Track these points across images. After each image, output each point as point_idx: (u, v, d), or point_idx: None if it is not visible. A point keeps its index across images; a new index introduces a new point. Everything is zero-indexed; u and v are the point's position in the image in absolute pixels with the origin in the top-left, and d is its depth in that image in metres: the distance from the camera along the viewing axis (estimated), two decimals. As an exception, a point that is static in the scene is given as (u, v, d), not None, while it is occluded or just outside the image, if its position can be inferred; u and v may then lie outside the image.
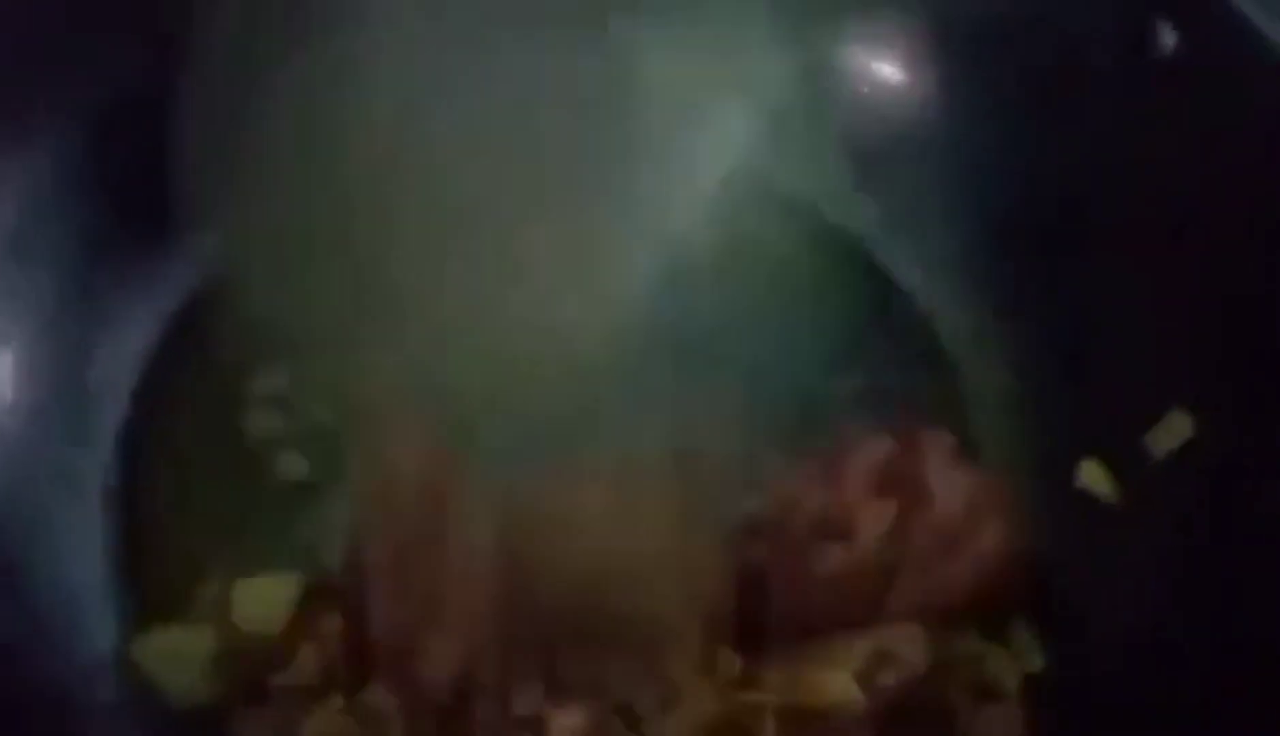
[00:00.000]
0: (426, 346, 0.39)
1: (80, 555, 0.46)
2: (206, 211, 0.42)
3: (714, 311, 0.41)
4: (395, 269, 0.40)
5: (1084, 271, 0.51)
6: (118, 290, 0.51)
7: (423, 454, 0.41)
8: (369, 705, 0.41)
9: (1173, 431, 0.46)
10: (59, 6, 0.50)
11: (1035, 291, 0.52)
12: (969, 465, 0.45)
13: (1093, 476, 0.48)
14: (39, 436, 0.48)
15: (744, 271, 0.42)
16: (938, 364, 0.52)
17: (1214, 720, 0.41)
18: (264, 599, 0.43)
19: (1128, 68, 0.49)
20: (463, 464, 0.41)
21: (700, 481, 0.41)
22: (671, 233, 0.40)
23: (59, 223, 0.50)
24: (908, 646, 0.40)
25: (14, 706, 0.41)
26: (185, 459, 0.49)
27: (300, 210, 0.40)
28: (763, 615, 0.41)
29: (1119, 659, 0.44)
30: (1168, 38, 0.48)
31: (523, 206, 0.39)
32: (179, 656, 0.43)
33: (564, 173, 0.40)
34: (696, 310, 0.41)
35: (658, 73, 0.41)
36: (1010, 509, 0.44)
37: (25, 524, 0.46)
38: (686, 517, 0.41)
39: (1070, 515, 0.47)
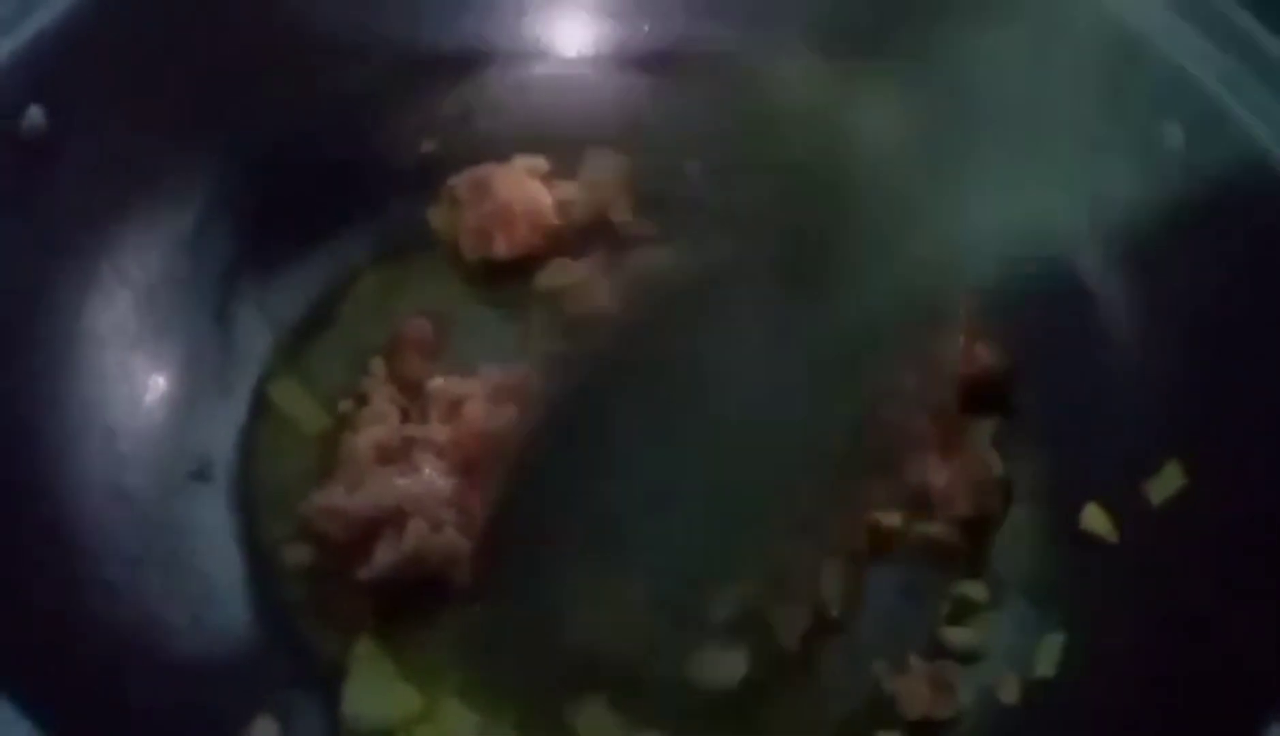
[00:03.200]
0: None
1: (210, 535, 0.53)
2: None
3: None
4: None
5: (1093, 339, 0.58)
6: (243, 313, 0.59)
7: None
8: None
9: (1168, 482, 0.52)
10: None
11: (1049, 354, 0.59)
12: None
13: (1095, 520, 0.54)
14: (179, 433, 0.55)
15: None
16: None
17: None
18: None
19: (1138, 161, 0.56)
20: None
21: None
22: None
23: (207, 252, 0.58)
24: None
25: (155, 665, 0.48)
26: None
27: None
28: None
29: (1116, 685, 0.50)
30: (1176, 136, 0.55)
31: None
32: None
33: None
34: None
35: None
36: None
37: (166, 508, 0.53)
38: None
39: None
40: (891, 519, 0.55)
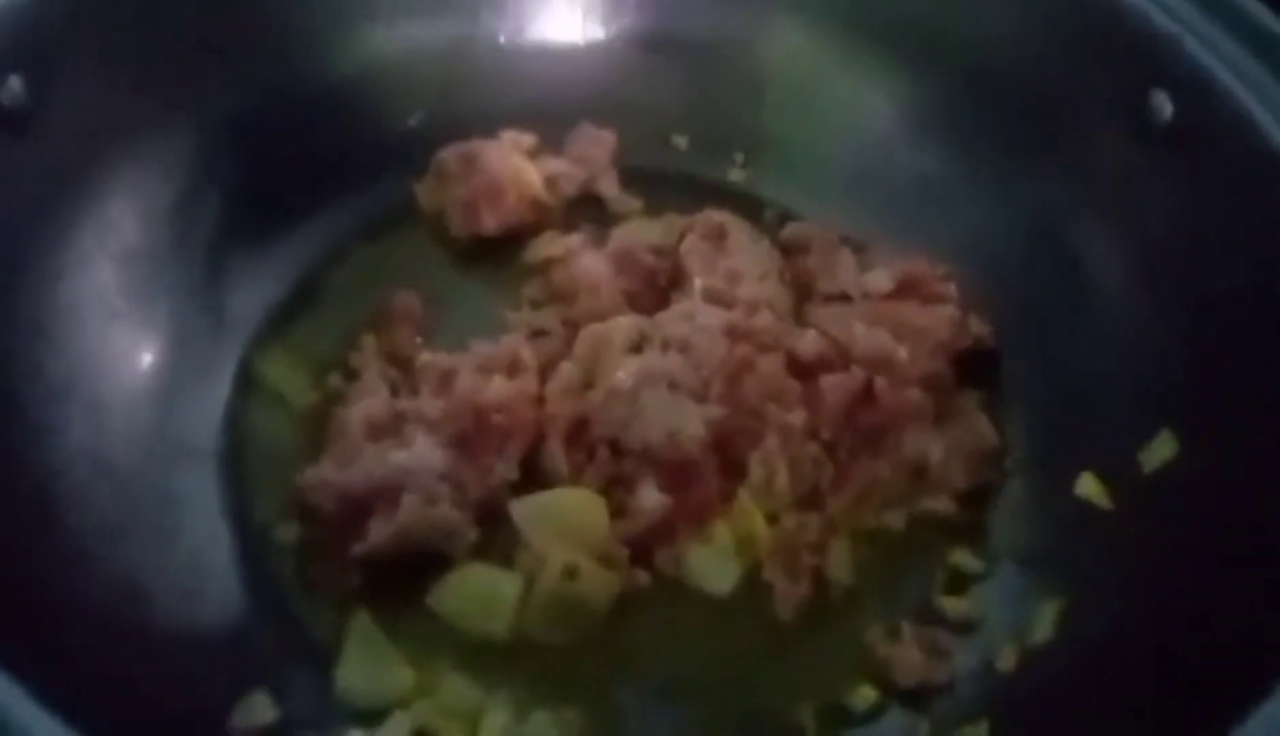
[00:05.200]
0: None
1: (197, 510, 0.52)
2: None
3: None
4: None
5: (1085, 309, 0.58)
6: (229, 288, 0.58)
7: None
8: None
9: (1161, 449, 0.53)
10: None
11: (1041, 324, 0.59)
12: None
13: (1090, 488, 0.54)
14: (166, 408, 0.54)
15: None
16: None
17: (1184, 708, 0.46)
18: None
19: (1125, 134, 0.56)
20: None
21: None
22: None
23: (192, 224, 0.57)
24: None
25: (144, 640, 0.47)
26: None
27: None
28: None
29: (1111, 649, 0.50)
30: (1165, 107, 0.55)
31: None
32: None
33: None
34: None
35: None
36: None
37: (151, 482, 0.52)
38: None
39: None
40: (895, 519, 0.55)
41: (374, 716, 0.47)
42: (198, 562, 0.51)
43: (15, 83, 0.51)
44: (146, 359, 0.55)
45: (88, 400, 0.52)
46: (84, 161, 0.54)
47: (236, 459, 0.54)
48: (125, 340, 0.54)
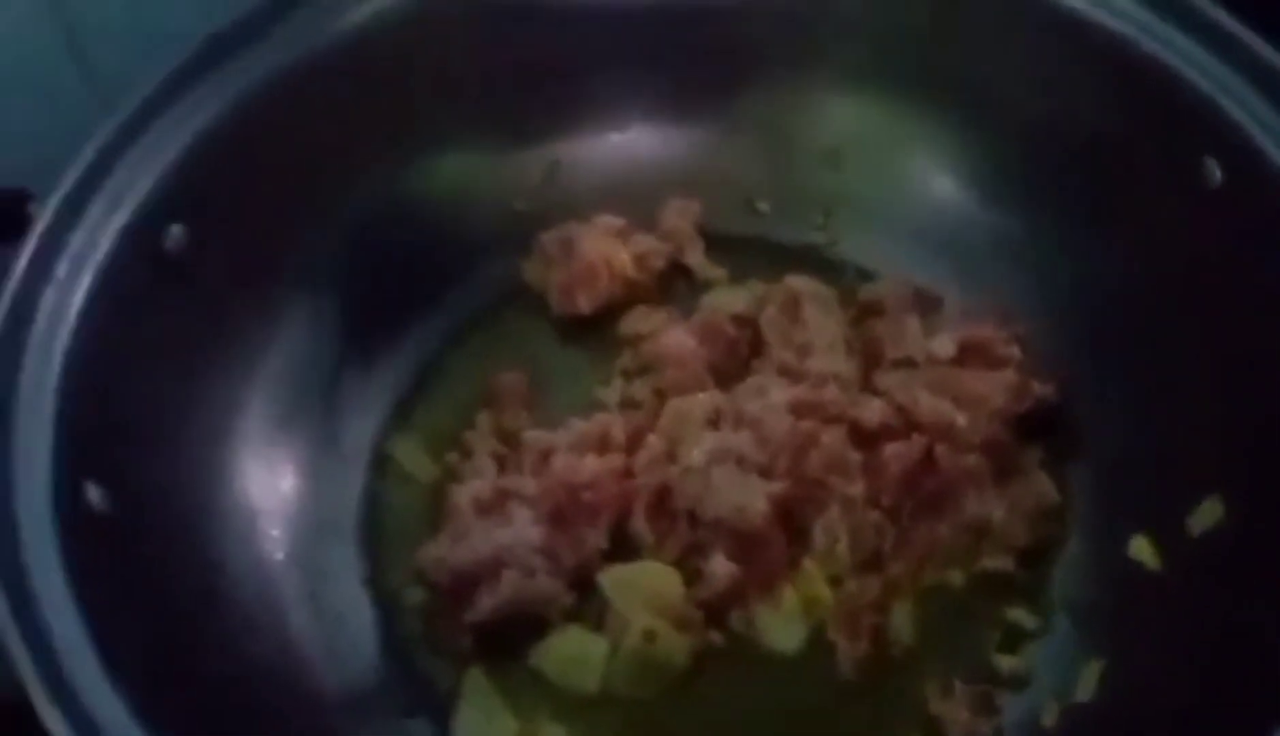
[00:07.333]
0: None
1: (341, 580, 0.62)
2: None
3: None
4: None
5: (1142, 368, 0.60)
6: (359, 380, 0.67)
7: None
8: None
9: (1208, 514, 0.55)
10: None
11: (1103, 382, 0.61)
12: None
13: (1141, 549, 0.57)
14: (312, 497, 0.63)
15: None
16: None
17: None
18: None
19: (1181, 197, 0.58)
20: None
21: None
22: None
23: (323, 329, 0.66)
24: None
25: (296, 696, 0.57)
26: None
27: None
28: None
29: (1148, 709, 0.53)
30: (1215, 173, 0.56)
31: None
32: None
33: None
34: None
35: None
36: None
37: (304, 560, 0.62)
38: None
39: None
40: (955, 577, 0.60)
41: (484, 764, 0.56)
42: (342, 627, 0.60)
43: (176, 230, 0.60)
44: (293, 464, 0.63)
45: (248, 508, 0.60)
46: (235, 291, 0.62)
47: (373, 533, 0.63)
48: (275, 451, 0.63)
